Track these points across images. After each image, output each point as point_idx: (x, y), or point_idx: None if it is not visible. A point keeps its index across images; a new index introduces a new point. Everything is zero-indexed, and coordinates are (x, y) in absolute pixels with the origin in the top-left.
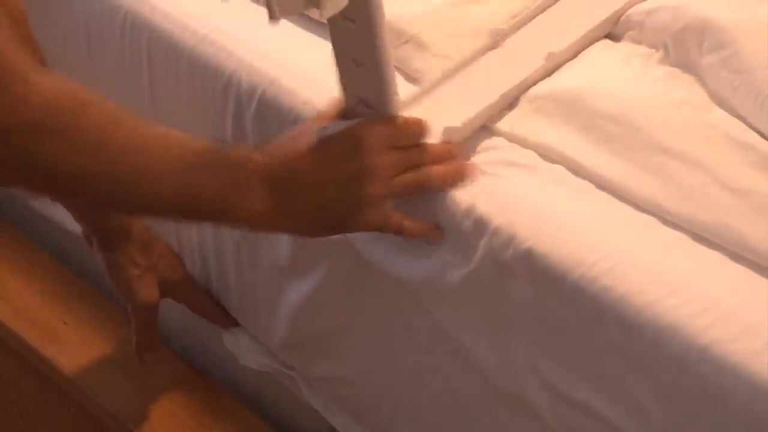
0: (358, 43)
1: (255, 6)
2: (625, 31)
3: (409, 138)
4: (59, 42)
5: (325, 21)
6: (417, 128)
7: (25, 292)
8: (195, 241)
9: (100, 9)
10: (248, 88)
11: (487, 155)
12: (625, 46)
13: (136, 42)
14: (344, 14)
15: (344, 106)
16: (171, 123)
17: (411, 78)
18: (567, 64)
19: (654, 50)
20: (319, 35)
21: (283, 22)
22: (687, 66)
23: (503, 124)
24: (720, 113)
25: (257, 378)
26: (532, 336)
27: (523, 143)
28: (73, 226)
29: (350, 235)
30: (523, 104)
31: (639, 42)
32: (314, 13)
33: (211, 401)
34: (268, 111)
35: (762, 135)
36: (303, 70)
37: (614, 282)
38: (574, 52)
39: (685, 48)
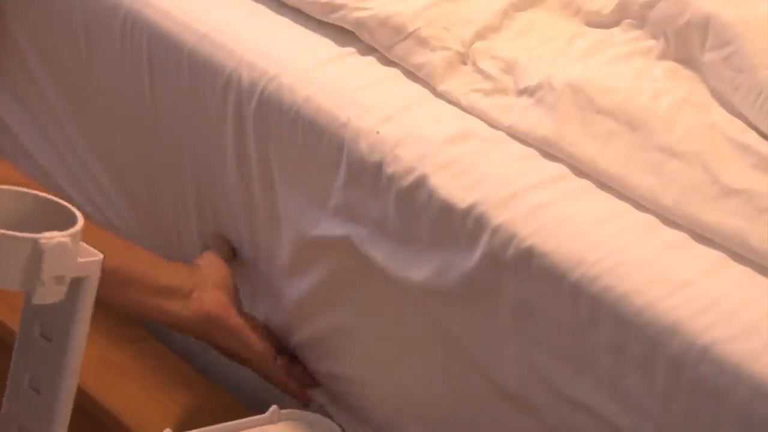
0: (47, 366)
1: (254, 4)
2: (622, 17)
3: None
4: (58, 42)
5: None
6: None
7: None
8: (196, 239)
9: (100, 9)
10: (248, 85)
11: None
12: (624, 38)
13: (136, 41)
14: (42, 330)
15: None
16: (172, 120)
17: (410, 74)
18: (567, 57)
19: (653, 40)
20: (319, 33)
21: (283, 21)
22: (688, 62)
23: (504, 119)
24: (721, 113)
25: (257, 378)
26: (531, 334)
27: (524, 138)
28: None
29: (351, 235)
30: (523, 97)
31: (638, 28)
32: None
33: (211, 401)
34: (268, 108)
35: (762, 135)
36: (302, 68)
37: (614, 281)
38: None
39: (688, 43)
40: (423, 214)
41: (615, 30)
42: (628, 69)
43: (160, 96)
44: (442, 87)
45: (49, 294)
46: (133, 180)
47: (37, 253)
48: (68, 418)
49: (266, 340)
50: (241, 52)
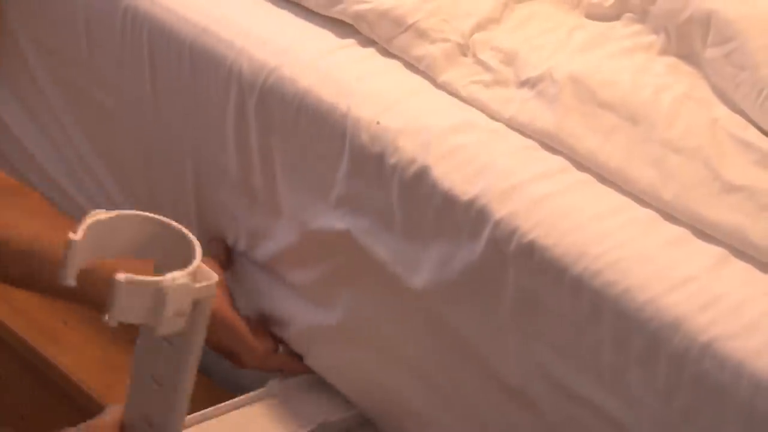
0: (168, 364)
1: None
2: (623, 11)
3: None
4: (60, 36)
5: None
6: None
7: (25, 292)
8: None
9: (100, 4)
10: (249, 77)
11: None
12: (625, 32)
13: (136, 35)
14: (167, 338)
15: (120, 420)
16: (173, 114)
17: (411, 66)
18: (567, 49)
19: (654, 35)
20: (319, 25)
21: (283, 13)
22: (689, 58)
23: (504, 111)
24: (723, 110)
25: (257, 378)
26: (533, 328)
27: (525, 130)
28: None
29: (352, 229)
30: (524, 89)
31: (639, 23)
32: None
33: (211, 401)
34: (269, 100)
35: (764, 132)
36: (304, 59)
37: (617, 276)
38: None
39: (689, 39)
40: (426, 206)
41: (616, 23)
42: (630, 63)
43: (161, 90)
44: (442, 78)
45: (170, 326)
46: (134, 179)
47: (160, 295)
48: (187, 408)
49: (262, 336)
50: (241, 45)
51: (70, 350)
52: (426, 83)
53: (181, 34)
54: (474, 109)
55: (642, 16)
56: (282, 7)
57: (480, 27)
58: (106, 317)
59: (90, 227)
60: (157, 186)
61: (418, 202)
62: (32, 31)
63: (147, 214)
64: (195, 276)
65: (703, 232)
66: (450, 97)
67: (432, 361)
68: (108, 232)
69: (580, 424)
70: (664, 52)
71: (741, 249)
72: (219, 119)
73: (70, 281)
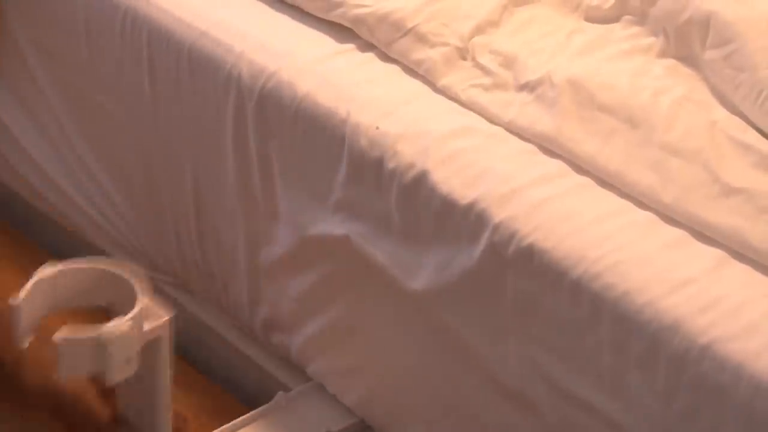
0: (139, 402)
1: (254, 1)
2: (622, 13)
3: None
4: (60, 38)
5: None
6: None
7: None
8: (195, 238)
9: (100, 6)
10: (249, 81)
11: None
12: (624, 34)
13: (136, 38)
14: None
15: None
16: (172, 117)
17: (410, 70)
18: (566, 52)
19: (653, 37)
20: (318, 30)
21: (282, 18)
22: (688, 59)
23: (504, 114)
24: (722, 112)
25: (257, 378)
26: (532, 332)
27: (524, 134)
28: (73, 226)
29: (351, 235)
30: (524, 93)
31: (638, 25)
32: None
33: (210, 401)
34: (268, 104)
35: (763, 134)
36: (303, 63)
37: (616, 279)
38: None
39: (688, 41)
40: (425, 211)
41: (615, 26)
42: (629, 66)
43: (160, 93)
44: (441, 82)
45: (120, 374)
46: (133, 180)
47: (101, 347)
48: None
49: None
50: (241, 49)
51: None
52: (425, 88)
53: (181, 38)
54: (473, 114)
55: (641, 18)
56: (281, 11)
57: (479, 30)
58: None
59: (34, 286)
60: (156, 188)
61: (417, 207)
62: (32, 33)
63: (89, 264)
64: (140, 323)
65: (703, 234)
66: (449, 101)
67: (432, 365)
68: (52, 288)
69: (579, 426)
70: (663, 54)
71: (740, 251)
72: (218, 123)
73: (23, 343)
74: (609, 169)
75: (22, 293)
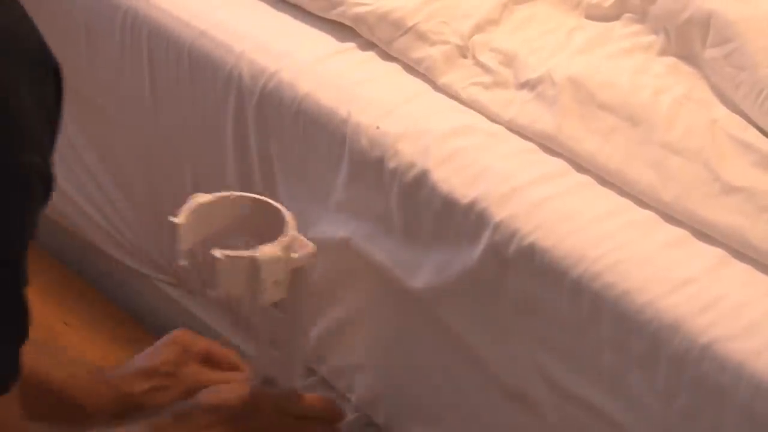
0: (282, 331)
1: (254, 1)
2: (622, 11)
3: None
4: (59, 41)
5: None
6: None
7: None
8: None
9: (100, 7)
10: (249, 82)
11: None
12: (625, 32)
13: (136, 39)
14: (277, 305)
15: (247, 380)
16: (172, 118)
17: (410, 69)
18: (566, 50)
19: (654, 36)
20: (318, 29)
21: (282, 17)
22: (689, 58)
23: (504, 113)
24: (722, 110)
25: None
26: (533, 331)
27: (524, 132)
28: (73, 226)
29: (351, 235)
30: (524, 91)
31: (639, 23)
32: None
33: None
34: (269, 104)
35: (763, 133)
36: (303, 63)
37: (616, 278)
38: None
39: (689, 40)
40: (426, 210)
41: (615, 24)
42: (629, 64)
43: (160, 93)
44: (442, 80)
45: (270, 296)
46: (133, 182)
47: (255, 267)
48: (301, 370)
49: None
50: (241, 49)
51: (70, 350)
52: (426, 86)
53: (181, 38)
54: (473, 112)
55: (642, 17)
56: (281, 10)
57: (479, 28)
58: (212, 293)
59: (193, 211)
60: (156, 189)
61: (418, 206)
62: None
63: (242, 194)
64: (291, 247)
65: (703, 233)
66: (449, 100)
67: (432, 364)
68: (206, 214)
69: (580, 425)
70: (663, 52)
71: (740, 250)
72: (218, 123)
73: (183, 261)
74: (609, 167)
75: (183, 213)
